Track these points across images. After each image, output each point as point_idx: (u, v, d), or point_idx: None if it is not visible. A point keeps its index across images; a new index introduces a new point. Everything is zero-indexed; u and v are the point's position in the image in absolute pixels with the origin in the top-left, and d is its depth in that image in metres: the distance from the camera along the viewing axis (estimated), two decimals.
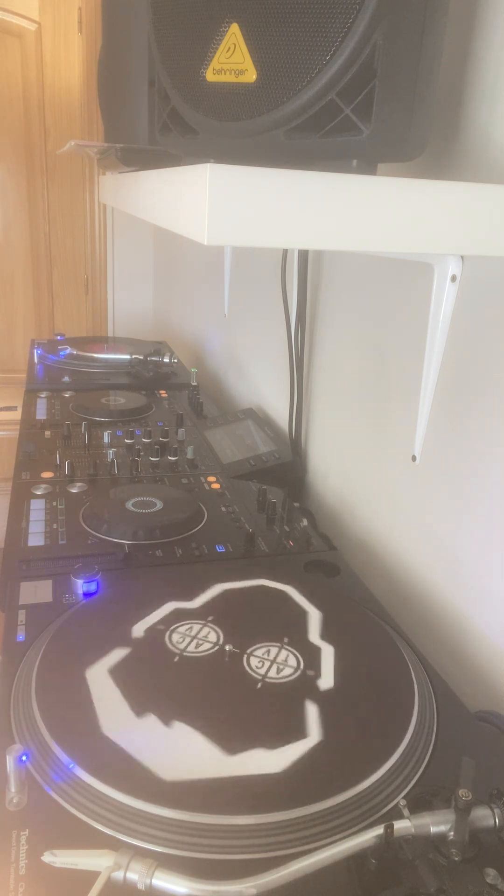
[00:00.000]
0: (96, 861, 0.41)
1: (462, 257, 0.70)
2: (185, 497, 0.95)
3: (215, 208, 0.46)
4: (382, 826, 0.42)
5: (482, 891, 0.40)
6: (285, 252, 1.12)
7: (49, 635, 0.63)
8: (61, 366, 1.59)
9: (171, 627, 0.66)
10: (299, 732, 0.54)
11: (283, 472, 1.12)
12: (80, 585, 0.71)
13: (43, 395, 1.38)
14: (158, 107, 0.61)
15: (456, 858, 0.41)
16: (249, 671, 0.60)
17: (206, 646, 0.63)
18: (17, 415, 1.30)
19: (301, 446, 1.18)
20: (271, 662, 0.61)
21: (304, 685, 0.59)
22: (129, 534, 0.84)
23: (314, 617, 0.69)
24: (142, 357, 1.60)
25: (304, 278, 1.08)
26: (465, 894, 0.39)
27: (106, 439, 1.16)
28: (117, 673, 0.59)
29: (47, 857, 0.42)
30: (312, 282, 1.09)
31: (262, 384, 1.41)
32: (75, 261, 2.55)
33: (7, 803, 0.46)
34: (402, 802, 0.45)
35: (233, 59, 0.50)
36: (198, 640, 0.64)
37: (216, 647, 0.63)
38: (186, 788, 0.48)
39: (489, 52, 0.64)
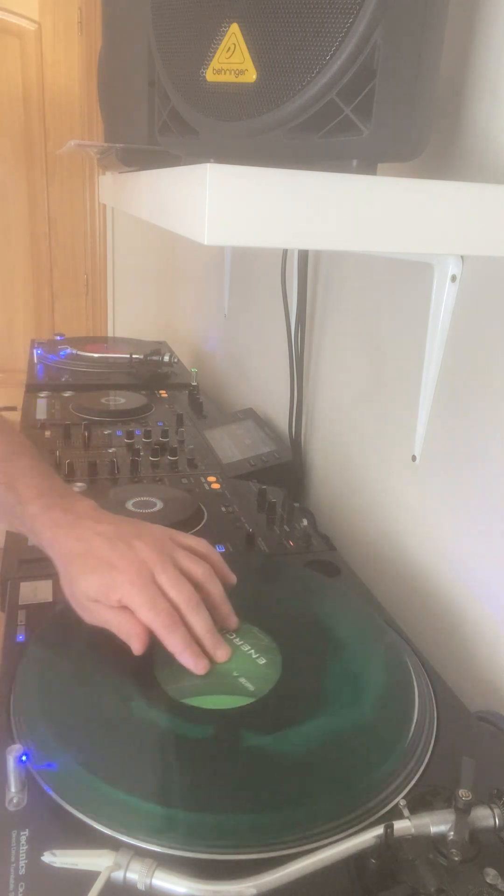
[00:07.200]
0: (96, 861, 0.41)
1: (462, 257, 0.70)
2: (185, 497, 0.95)
3: (215, 208, 0.46)
4: (382, 826, 0.42)
5: (482, 891, 0.40)
6: (285, 252, 1.12)
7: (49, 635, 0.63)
8: (61, 366, 1.59)
9: None
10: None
11: (283, 472, 1.12)
12: None
13: (43, 395, 1.38)
14: (158, 107, 0.61)
15: (456, 858, 0.41)
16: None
17: None
18: (17, 415, 1.29)
19: (301, 446, 1.18)
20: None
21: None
22: None
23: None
24: (142, 357, 1.60)
25: (304, 278, 1.08)
26: (465, 894, 0.39)
27: (106, 439, 1.16)
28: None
29: (47, 857, 0.42)
30: (312, 282, 1.09)
31: (262, 384, 1.41)
32: (75, 261, 2.55)
33: (7, 803, 0.46)
34: (402, 802, 0.45)
35: (233, 59, 0.50)
36: None
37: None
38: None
39: (489, 52, 0.64)
